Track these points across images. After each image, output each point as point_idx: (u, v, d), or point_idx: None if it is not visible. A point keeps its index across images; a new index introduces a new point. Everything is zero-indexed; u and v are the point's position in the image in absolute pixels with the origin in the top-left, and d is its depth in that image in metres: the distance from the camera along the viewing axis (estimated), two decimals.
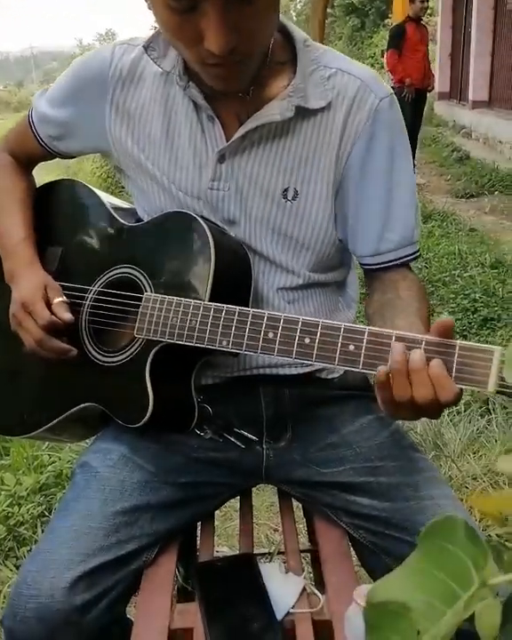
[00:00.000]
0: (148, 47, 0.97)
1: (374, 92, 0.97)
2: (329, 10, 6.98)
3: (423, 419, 2.40)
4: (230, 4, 0.76)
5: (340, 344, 0.81)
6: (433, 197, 6.48)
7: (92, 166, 8.39)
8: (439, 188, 7.16)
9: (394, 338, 0.78)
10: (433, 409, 0.79)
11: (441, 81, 11.66)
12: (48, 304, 1.01)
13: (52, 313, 1.00)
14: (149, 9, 0.84)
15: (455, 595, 0.40)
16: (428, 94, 7.22)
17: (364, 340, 0.80)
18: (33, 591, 0.87)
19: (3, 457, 2.37)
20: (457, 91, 11.36)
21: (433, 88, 7.38)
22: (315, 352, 0.83)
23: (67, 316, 1.01)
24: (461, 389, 0.76)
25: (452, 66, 11.76)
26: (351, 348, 0.80)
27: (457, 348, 0.76)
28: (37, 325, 0.99)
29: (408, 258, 1.04)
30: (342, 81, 0.97)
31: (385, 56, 7.46)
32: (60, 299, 1.02)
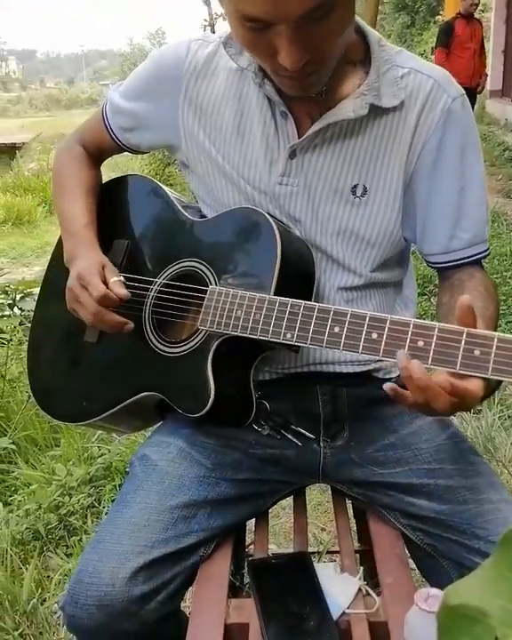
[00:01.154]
0: (226, 43, 0.98)
1: (447, 91, 0.98)
2: (379, 7, 6.90)
3: (474, 424, 2.35)
4: (303, 23, 0.77)
5: (408, 339, 0.81)
6: None
7: (141, 163, 8.47)
8: (490, 187, 7.02)
9: (465, 334, 0.77)
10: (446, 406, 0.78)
11: (493, 78, 11.42)
12: (104, 282, 1.02)
13: (109, 288, 1.01)
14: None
15: None
16: (478, 93, 7.06)
17: (435, 337, 0.79)
18: (94, 579, 0.89)
19: (53, 448, 2.42)
20: (510, 88, 11.13)
21: (483, 88, 7.21)
22: (382, 347, 0.82)
23: (122, 291, 1.01)
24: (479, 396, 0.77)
25: (505, 63, 11.52)
26: (420, 343, 0.80)
27: (496, 339, 0.75)
28: (92, 298, 1.01)
29: (479, 256, 1.04)
30: (415, 80, 0.97)
31: (434, 54, 7.34)
32: (117, 278, 1.04)
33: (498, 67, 11.59)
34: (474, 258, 1.03)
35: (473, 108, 7.04)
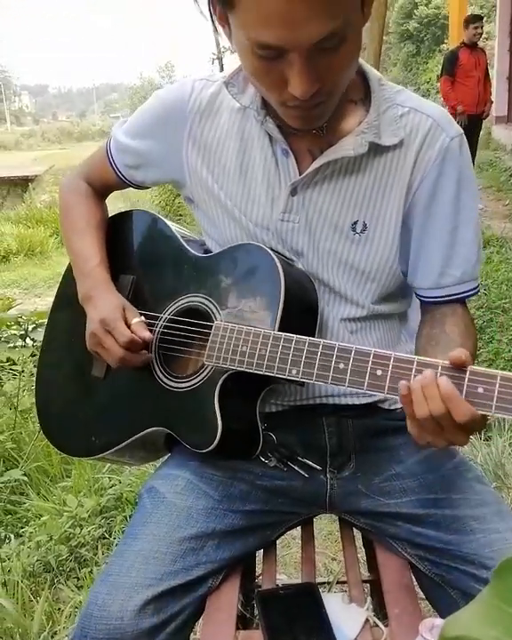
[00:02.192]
0: (228, 83, 1.01)
1: (445, 131, 1.00)
2: (384, 37, 7.01)
3: (484, 450, 2.33)
4: (315, 53, 0.80)
5: (412, 376, 0.82)
6: (491, 223, 6.38)
7: (151, 194, 8.58)
8: (497, 212, 7.06)
9: (468, 373, 0.79)
10: (453, 430, 0.81)
11: (498, 104, 11.51)
12: (127, 324, 1.05)
13: (132, 331, 1.04)
14: (234, 52, 0.88)
15: None
16: (484, 120, 7.14)
17: (438, 374, 0.81)
18: (103, 613, 0.89)
19: (65, 479, 2.42)
20: None
21: (488, 114, 7.28)
22: (387, 384, 0.84)
23: (146, 334, 1.05)
24: (484, 416, 0.79)
25: (510, 89, 11.62)
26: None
27: (499, 377, 0.77)
28: (118, 343, 1.03)
29: (467, 293, 1.06)
30: (415, 120, 1.00)
31: (439, 82, 7.44)
32: (139, 319, 1.07)
33: (503, 93, 11.68)
34: (462, 295, 1.05)
35: (479, 134, 7.10)
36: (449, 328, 1.01)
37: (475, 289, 1.07)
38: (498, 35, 11.95)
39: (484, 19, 7.05)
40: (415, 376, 0.82)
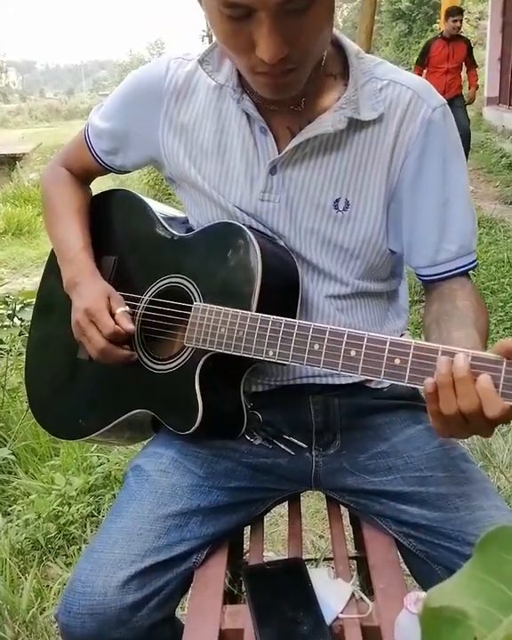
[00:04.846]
0: (202, 61, 0.98)
1: (427, 101, 0.97)
2: (376, 16, 6.95)
3: None
4: (283, 15, 0.77)
5: (385, 357, 0.81)
6: (481, 204, 6.38)
7: (140, 173, 8.50)
8: (487, 194, 7.05)
9: (440, 352, 0.78)
10: (481, 424, 0.77)
11: (490, 86, 11.48)
12: (111, 313, 1.04)
13: (116, 322, 1.03)
14: (206, 18, 0.86)
15: None
16: (465, 105, 7.16)
17: (410, 354, 0.80)
18: (87, 589, 0.90)
19: (53, 458, 2.43)
20: (506, 95, 11.17)
21: (473, 100, 7.33)
22: (360, 365, 0.83)
23: (130, 326, 1.03)
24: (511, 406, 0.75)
25: (501, 70, 11.57)
26: (397, 361, 0.80)
27: (504, 363, 0.74)
28: (101, 335, 1.02)
29: (466, 267, 1.03)
30: (394, 92, 0.97)
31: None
32: (123, 308, 1.05)
33: (494, 75, 11.63)
34: (461, 270, 1.03)
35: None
36: (460, 302, 0.98)
37: (473, 262, 1.04)
38: (490, 15, 11.88)
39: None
40: (390, 357, 0.80)
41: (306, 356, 0.87)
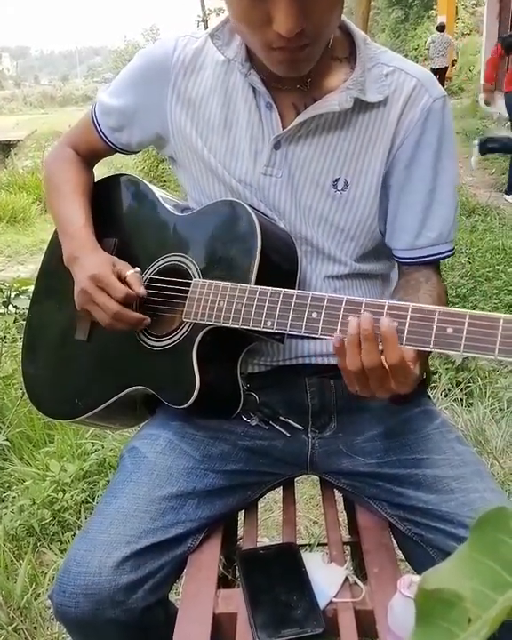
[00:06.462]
0: (213, 35, 1.00)
1: (429, 91, 1.00)
2: (372, 2, 6.91)
3: (465, 416, 2.36)
4: None
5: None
6: (477, 192, 6.38)
7: (135, 160, 8.48)
8: (482, 181, 7.05)
9: (437, 313, 0.79)
10: (384, 377, 0.81)
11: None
12: (120, 278, 1.03)
13: (128, 285, 1.02)
14: (219, 14, 0.87)
15: (507, 583, 0.41)
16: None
17: (408, 317, 0.80)
18: (81, 569, 0.89)
19: (48, 444, 2.42)
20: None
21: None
22: None
23: (141, 289, 1.03)
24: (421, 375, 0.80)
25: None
26: (395, 323, 0.80)
27: (467, 316, 0.76)
28: (112, 299, 1.01)
29: (442, 255, 1.07)
30: (400, 79, 1.00)
31: None
32: (133, 271, 1.05)
33: None
34: (437, 256, 1.06)
35: None
36: (422, 296, 1.01)
37: (449, 251, 1.08)
38: (487, 2, 11.80)
39: None
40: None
41: (304, 324, 0.87)
